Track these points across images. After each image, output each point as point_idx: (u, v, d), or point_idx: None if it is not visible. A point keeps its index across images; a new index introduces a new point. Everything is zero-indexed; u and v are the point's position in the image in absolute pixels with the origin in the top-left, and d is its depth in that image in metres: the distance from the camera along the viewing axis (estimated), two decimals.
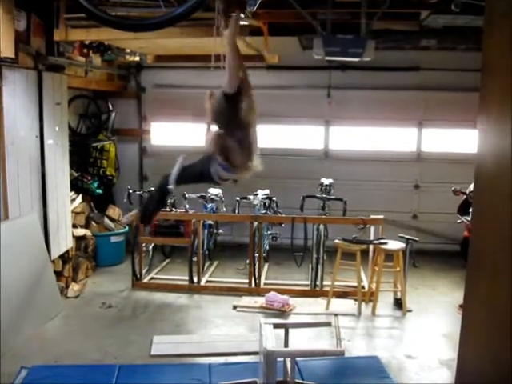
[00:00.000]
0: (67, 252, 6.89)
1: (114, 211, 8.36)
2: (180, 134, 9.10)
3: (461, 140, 8.70)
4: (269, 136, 9.13)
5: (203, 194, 7.69)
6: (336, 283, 6.56)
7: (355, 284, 6.56)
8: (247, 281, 7.06)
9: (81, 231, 7.44)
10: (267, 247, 8.20)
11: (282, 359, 3.88)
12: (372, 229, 6.93)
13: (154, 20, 4.30)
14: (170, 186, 4.04)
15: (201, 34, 5.35)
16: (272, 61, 7.89)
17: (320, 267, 7.01)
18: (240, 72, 3.93)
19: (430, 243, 8.56)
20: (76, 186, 7.83)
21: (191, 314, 6.37)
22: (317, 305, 6.62)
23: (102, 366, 4.93)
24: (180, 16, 4.04)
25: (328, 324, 4.89)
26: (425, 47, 7.06)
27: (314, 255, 7.06)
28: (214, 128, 3.89)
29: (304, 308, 6.50)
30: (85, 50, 7.22)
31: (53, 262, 6.42)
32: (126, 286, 7.12)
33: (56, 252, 6.54)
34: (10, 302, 5.29)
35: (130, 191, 7.61)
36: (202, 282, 7.23)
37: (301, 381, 4.37)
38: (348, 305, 6.59)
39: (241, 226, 8.50)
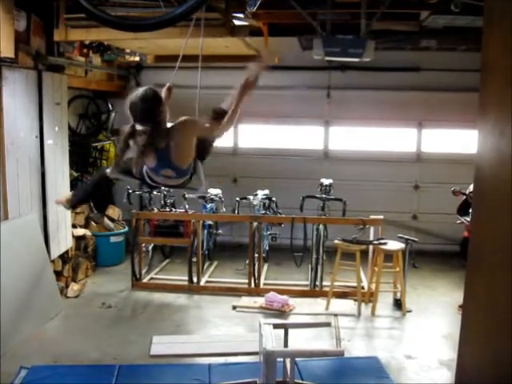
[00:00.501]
0: (67, 252, 6.89)
1: (113, 211, 8.35)
2: None
3: (461, 140, 8.71)
4: (268, 136, 9.18)
5: (203, 194, 7.69)
6: (336, 283, 6.56)
7: (355, 284, 6.56)
8: (247, 281, 7.06)
9: (80, 231, 7.44)
10: (267, 247, 8.20)
11: (282, 359, 3.88)
12: (372, 229, 6.93)
13: (153, 20, 4.30)
14: (108, 170, 3.97)
15: (198, 33, 5.35)
16: (272, 61, 7.89)
17: (320, 267, 7.00)
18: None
19: (429, 244, 8.56)
20: (76, 186, 7.82)
21: (191, 314, 6.38)
22: (316, 305, 6.62)
23: (101, 366, 4.92)
24: (180, 16, 4.03)
25: (327, 324, 4.89)
26: (425, 47, 7.07)
27: (314, 255, 7.05)
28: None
29: (303, 308, 6.50)
30: (85, 50, 7.23)
31: (52, 261, 6.42)
32: (125, 286, 7.12)
33: (56, 252, 6.54)
34: (10, 302, 5.28)
35: (130, 191, 7.62)
36: (202, 282, 7.23)
37: (300, 381, 4.37)
38: (348, 305, 6.59)
39: (240, 227, 8.50)
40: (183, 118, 3.65)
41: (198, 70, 4.36)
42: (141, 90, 3.54)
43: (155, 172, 3.74)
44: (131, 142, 3.54)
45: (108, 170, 4.00)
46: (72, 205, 4.60)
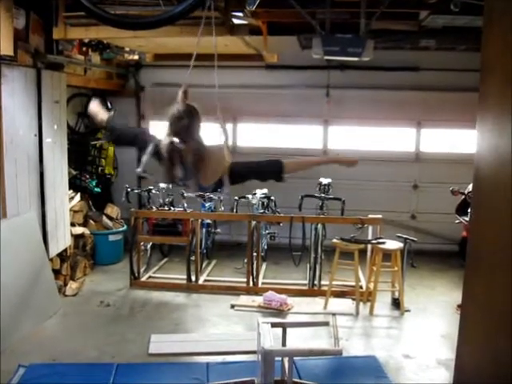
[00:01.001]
0: (65, 250, 6.88)
1: (112, 210, 8.36)
2: None
3: (459, 140, 8.73)
4: (267, 135, 9.17)
5: (201, 192, 7.69)
6: (334, 283, 6.56)
7: (353, 283, 6.56)
8: (245, 280, 7.06)
9: (79, 229, 7.44)
10: (265, 246, 8.20)
11: (280, 358, 3.87)
12: (370, 228, 6.93)
13: (153, 18, 4.30)
14: (139, 170, 3.92)
15: (201, 32, 5.34)
16: (271, 60, 7.90)
17: (318, 266, 7.01)
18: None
19: (428, 243, 8.56)
20: (74, 185, 7.83)
21: (189, 312, 6.38)
22: (315, 304, 6.62)
23: (99, 365, 4.92)
24: (180, 14, 4.03)
25: (326, 323, 4.90)
26: (424, 47, 7.06)
27: (312, 254, 7.06)
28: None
29: (302, 307, 6.50)
30: (84, 49, 7.22)
31: (51, 260, 6.41)
32: (124, 285, 7.12)
33: (54, 250, 6.54)
34: (9, 301, 5.28)
35: (129, 190, 7.63)
36: (200, 281, 7.23)
37: (299, 380, 4.38)
38: (346, 304, 6.59)
39: (239, 225, 8.50)
40: (220, 147, 3.74)
41: (214, 69, 4.33)
42: (181, 107, 3.58)
43: (180, 180, 3.85)
44: (172, 157, 3.62)
45: (139, 170, 3.95)
46: (102, 123, 4.30)
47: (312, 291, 6.96)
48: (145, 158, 3.86)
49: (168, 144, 3.61)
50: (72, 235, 7.14)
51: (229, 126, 9.06)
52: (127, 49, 7.89)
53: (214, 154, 3.74)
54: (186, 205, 7.59)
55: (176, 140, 3.59)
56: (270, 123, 9.11)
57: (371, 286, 6.53)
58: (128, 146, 4.49)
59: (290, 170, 4.08)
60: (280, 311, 6.32)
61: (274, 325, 3.97)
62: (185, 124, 3.56)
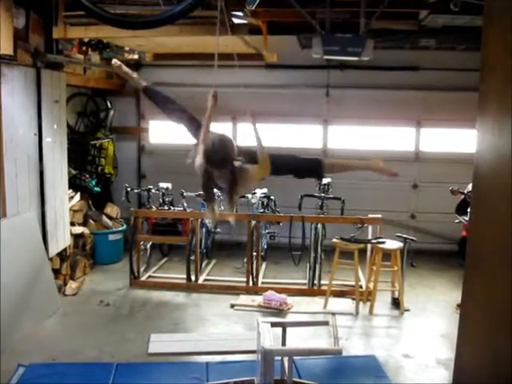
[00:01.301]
0: (65, 250, 6.88)
1: (112, 209, 8.36)
2: (178, 133, 9.08)
3: (459, 140, 8.73)
4: (267, 135, 9.15)
5: (201, 192, 7.67)
6: (334, 282, 6.56)
7: (353, 283, 6.56)
8: (245, 279, 7.06)
9: (79, 229, 7.44)
10: (265, 246, 8.20)
11: (280, 358, 3.87)
12: (370, 228, 6.94)
13: (153, 18, 4.30)
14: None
15: (200, 32, 5.36)
16: (271, 60, 7.89)
17: (318, 266, 7.01)
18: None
19: (427, 243, 8.56)
20: (74, 184, 7.82)
21: (189, 312, 6.38)
22: (314, 304, 6.62)
23: (99, 364, 4.92)
24: (179, 14, 4.03)
25: (325, 323, 4.89)
26: (424, 47, 7.06)
27: (312, 254, 7.06)
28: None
29: (302, 307, 6.50)
30: (83, 48, 7.20)
31: (51, 259, 6.41)
32: (123, 284, 7.12)
33: (54, 250, 6.53)
34: (9, 300, 5.28)
35: (128, 189, 7.63)
36: (200, 281, 7.23)
37: (298, 379, 4.37)
38: (346, 304, 6.59)
39: (239, 225, 8.49)
40: (251, 167, 3.72)
41: (236, 69, 4.32)
42: (217, 140, 3.56)
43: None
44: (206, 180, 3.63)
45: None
46: (139, 83, 4.28)
47: (312, 291, 6.96)
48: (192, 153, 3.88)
49: (202, 169, 3.60)
50: (72, 235, 7.14)
51: (229, 126, 9.05)
52: (127, 48, 7.88)
53: (247, 176, 3.73)
54: (185, 204, 7.59)
55: (210, 169, 3.58)
56: (270, 123, 9.09)
57: (371, 285, 6.54)
58: (158, 107, 4.39)
59: (329, 171, 4.09)
60: (280, 311, 6.32)
61: (273, 324, 3.97)
62: (219, 157, 3.55)
